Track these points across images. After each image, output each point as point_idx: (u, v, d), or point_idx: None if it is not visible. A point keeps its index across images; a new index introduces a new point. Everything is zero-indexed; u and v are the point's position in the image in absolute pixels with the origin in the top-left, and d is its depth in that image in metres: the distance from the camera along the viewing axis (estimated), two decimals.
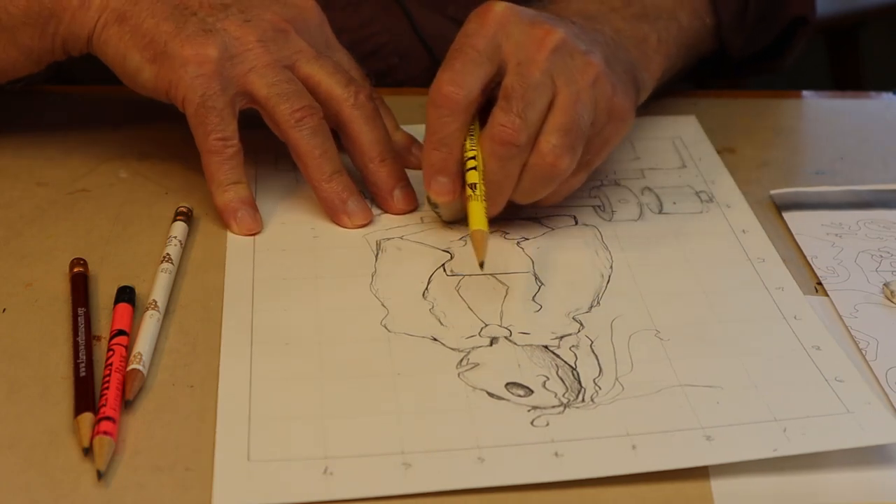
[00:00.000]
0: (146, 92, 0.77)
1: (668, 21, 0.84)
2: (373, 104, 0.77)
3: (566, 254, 0.75)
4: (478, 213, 0.70)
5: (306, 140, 0.75)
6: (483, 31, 0.72)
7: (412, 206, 0.78)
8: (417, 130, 0.85)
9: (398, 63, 0.98)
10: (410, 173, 0.81)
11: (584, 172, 0.75)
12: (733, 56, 0.95)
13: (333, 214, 0.76)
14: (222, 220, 0.75)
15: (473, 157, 0.71)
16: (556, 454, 0.58)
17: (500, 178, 0.71)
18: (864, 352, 0.67)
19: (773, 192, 0.81)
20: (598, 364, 0.65)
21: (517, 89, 0.70)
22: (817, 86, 1.13)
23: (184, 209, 0.76)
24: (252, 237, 0.75)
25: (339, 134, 0.78)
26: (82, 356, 0.63)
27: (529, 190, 0.73)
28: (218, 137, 0.74)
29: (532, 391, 0.63)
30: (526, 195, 0.73)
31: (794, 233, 0.77)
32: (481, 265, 0.69)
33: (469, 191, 0.71)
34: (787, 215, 0.79)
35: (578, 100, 0.71)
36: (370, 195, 0.78)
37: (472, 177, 0.71)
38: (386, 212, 0.78)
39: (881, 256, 0.75)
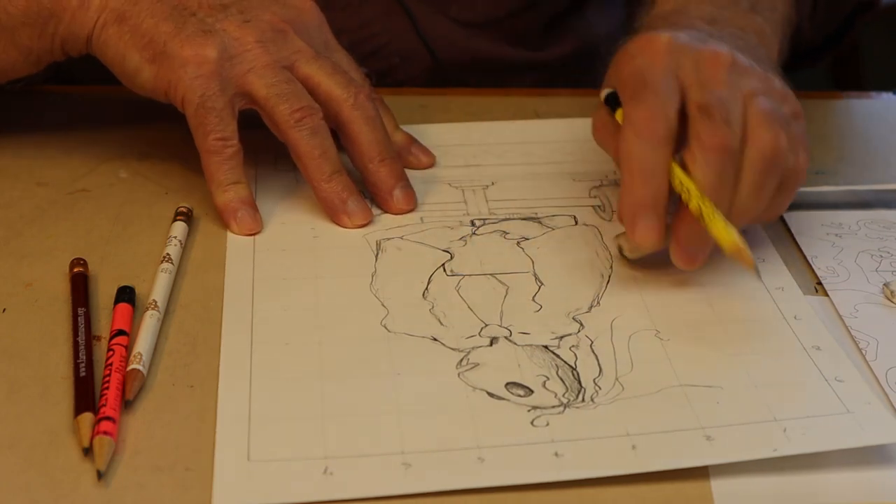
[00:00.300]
0: (145, 92, 0.77)
1: (770, 11, 0.83)
2: (372, 104, 0.77)
3: (566, 254, 0.75)
4: (723, 228, 0.67)
5: (306, 140, 0.75)
6: (657, 63, 0.71)
7: (412, 206, 0.78)
8: (417, 130, 0.86)
9: (399, 63, 0.98)
10: (411, 175, 0.81)
11: (806, 152, 0.72)
12: (803, 43, 0.94)
13: (333, 214, 0.76)
14: (222, 221, 0.75)
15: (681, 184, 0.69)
16: (556, 454, 0.58)
17: (717, 189, 0.68)
18: (864, 352, 0.67)
19: None
20: (598, 364, 0.65)
21: (712, 101, 0.69)
22: (817, 86, 1.13)
23: (184, 209, 0.76)
24: (252, 237, 0.75)
25: (338, 134, 0.78)
26: (82, 356, 0.63)
27: (755, 188, 0.69)
28: (217, 137, 0.74)
29: (532, 391, 0.63)
30: (754, 197, 0.69)
31: (794, 233, 0.77)
32: (756, 271, 0.67)
33: (702, 210, 0.67)
34: (786, 215, 0.79)
35: (767, 100, 0.70)
36: (370, 195, 0.78)
37: (694, 198, 0.68)
38: (386, 212, 0.78)
39: (881, 256, 0.75)
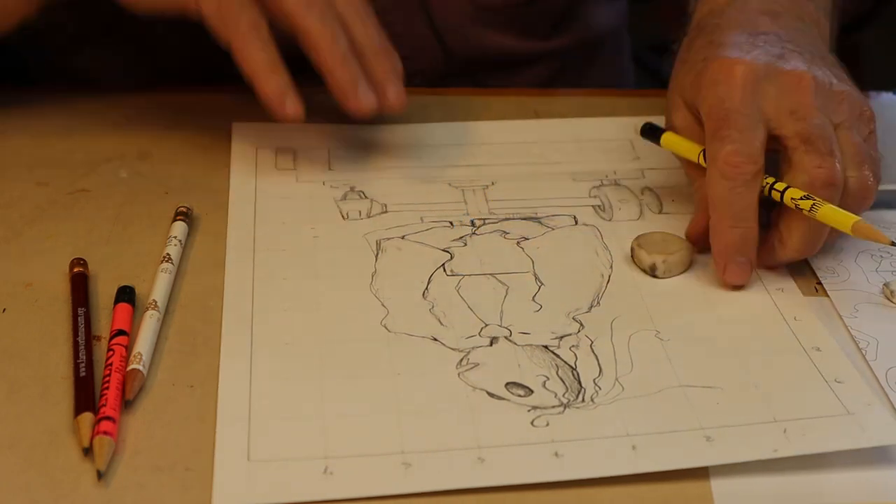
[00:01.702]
0: (157, 4, 0.76)
1: None
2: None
3: (566, 254, 0.75)
4: (836, 212, 0.68)
5: (317, 25, 0.74)
6: (739, 94, 0.70)
7: (402, 100, 0.77)
8: (417, 130, 0.86)
9: (409, 55, 0.98)
10: (410, 176, 0.80)
11: (877, 183, 0.72)
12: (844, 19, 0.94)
13: (344, 98, 0.75)
14: (268, 108, 0.74)
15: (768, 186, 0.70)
16: (556, 454, 0.58)
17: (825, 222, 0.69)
18: (864, 352, 0.67)
19: None
20: (598, 364, 0.65)
21: (813, 131, 0.69)
22: None
23: (184, 209, 0.76)
24: (252, 236, 0.75)
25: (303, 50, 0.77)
26: (82, 356, 0.63)
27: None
28: (248, 22, 0.73)
29: (532, 391, 0.63)
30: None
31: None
32: (893, 244, 0.68)
33: (803, 204, 0.68)
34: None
35: (852, 129, 0.70)
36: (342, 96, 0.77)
37: (795, 193, 0.69)
38: (381, 107, 0.77)
39: (881, 257, 0.75)
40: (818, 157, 0.68)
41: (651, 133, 0.79)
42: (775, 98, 0.70)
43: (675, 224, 0.78)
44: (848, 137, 0.70)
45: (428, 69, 0.99)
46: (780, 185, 0.70)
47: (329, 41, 0.75)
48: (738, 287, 0.71)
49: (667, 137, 0.77)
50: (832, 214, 0.68)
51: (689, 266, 0.73)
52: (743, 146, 0.69)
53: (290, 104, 0.74)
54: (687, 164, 0.76)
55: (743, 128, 0.69)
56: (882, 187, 0.82)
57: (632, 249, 0.74)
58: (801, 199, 0.69)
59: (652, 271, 0.72)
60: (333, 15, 0.75)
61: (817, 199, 0.68)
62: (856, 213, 0.69)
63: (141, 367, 0.62)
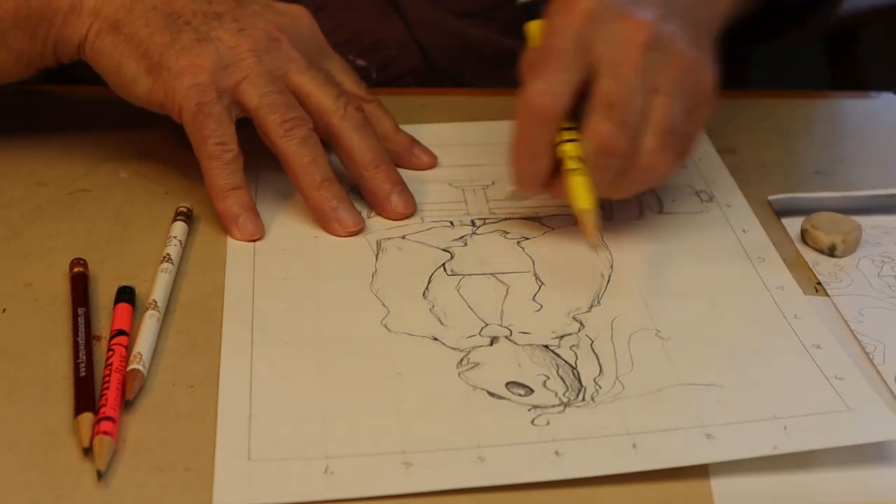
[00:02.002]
0: (139, 102, 0.77)
1: None
2: (361, 114, 0.77)
3: (566, 254, 0.75)
4: (583, 190, 0.69)
5: (294, 149, 0.75)
6: (570, 29, 0.69)
7: (410, 210, 0.78)
8: (417, 130, 0.86)
9: (396, 55, 0.98)
10: (411, 174, 0.81)
11: (680, 160, 0.73)
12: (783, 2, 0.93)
13: (324, 222, 0.76)
14: (223, 227, 0.75)
15: (570, 129, 0.70)
16: (557, 453, 0.58)
17: (602, 185, 0.70)
18: (871, 356, 0.66)
19: (771, 197, 0.81)
20: (599, 363, 0.65)
21: (617, 95, 0.68)
22: (817, 86, 1.13)
23: (184, 209, 0.76)
24: None
25: (331, 147, 0.78)
26: (82, 356, 0.63)
27: (627, 190, 0.72)
28: (216, 142, 0.74)
29: (532, 390, 0.63)
30: (624, 193, 0.72)
31: (793, 238, 0.77)
32: (594, 247, 0.69)
33: (569, 163, 0.70)
34: (785, 221, 0.79)
35: (673, 96, 0.69)
36: (369, 204, 0.78)
37: (572, 150, 0.70)
38: (386, 218, 0.77)
39: (882, 262, 0.75)
40: (608, 125, 0.68)
41: (532, 9, 0.76)
42: (605, 44, 0.69)
43: (675, 223, 0.78)
44: (661, 104, 0.69)
45: (416, 69, 0.99)
46: (569, 136, 0.70)
47: (305, 167, 0.75)
48: (527, 195, 0.74)
49: (534, 25, 0.75)
50: (577, 188, 0.69)
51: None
52: (549, 85, 0.69)
53: (243, 227, 0.75)
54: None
55: (559, 67, 0.69)
56: (881, 192, 0.83)
57: (804, 231, 0.75)
58: (570, 158, 0.70)
59: (831, 251, 0.74)
60: (315, 142, 0.75)
61: (581, 166, 0.69)
62: (641, 183, 0.70)
63: (141, 367, 0.62)
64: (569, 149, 0.71)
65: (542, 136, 0.70)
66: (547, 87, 0.69)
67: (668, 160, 0.70)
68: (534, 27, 0.75)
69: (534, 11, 0.76)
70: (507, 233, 0.76)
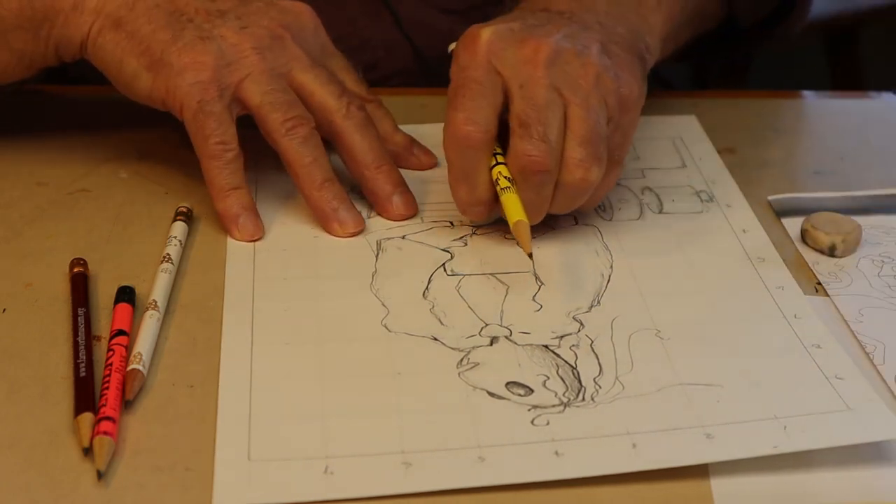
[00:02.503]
0: (141, 99, 0.77)
1: None
2: (364, 114, 0.78)
3: (566, 254, 0.75)
4: (514, 205, 0.70)
5: (296, 149, 0.75)
6: (476, 61, 0.72)
7: (412, 211, 0.78)
8: (417, 130, 0.86)
9: (385, 56, 0.98)
10: (411, 175, 0.81)
11: (616, 168, 0.74)
12: (741, 22, 0.94)
13: (324, 222, 0.76)
14: (223, 227, 0.75)
15: (497, 154, 0.72)
16: (557, 453, 0.58)
17: (535, 202, 0.71)
18: (871, 356, 0.66)
19: (770, 197, 0.81)
20: (599, 363, 0.65)
21: (530, 113, 0.70)
22: (817, 86, 1.13)
23: (184, 209, 0.76)
24: None
25: (333, 145, 0.78)
26: (82, 356, 0.63)
27: (565, 205, 0.73)
28: (217, 142, 0.74)
29: (532, 390, 0.63)
30: (562, 209, 0.73)
31: (793, 238, 0.77)
32: (530, 256, 0.70)
33: (502, 182, 0.71)
34: (785, 221, 0.79)
35: (589, 106, 0.70)
36: (370, 204, 0.78)
37: (502, 171, 0.71)
38: (388, 219, 0.77)
39: (882, 261, 0.75)
40: (529, 144, 0.69)
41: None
42: (511, 67, 0.71)
43: (675, 223, 0.78)
44: (577, 116, 0.70)
45: (404, 69, 0.99)
46: (500, 159, 0.72)
47: (306, 167, 0.75)
48: (475, 222, 0.76)
49: None
50: (509, 204, 0.71)
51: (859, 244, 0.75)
52: (472, 114, 0.71)
53: (243, 227, 0.75)
54: None
55: (475, 95, 0.71)
56: (881, 192, 0.83)
57: (804, 231, 0.75)
58: (503, 178, 0.71)
59: (831, 251, 0.74)
60: (316, 141, 0.75)
61: (511, 185, 0.71)
62: (576, 196, 0.71)
63: (141, 367, 0.62)
64: (501, 170, 0.72)
65: (474, 163, 0.72)
66: (468, 116, 0.71)
67: (595, 169, 0.71)
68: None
69: None
70: (507, 233, 0.76)
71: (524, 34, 0.73)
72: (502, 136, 0.72)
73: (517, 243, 0.71)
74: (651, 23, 0.80)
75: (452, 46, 0.78)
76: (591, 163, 0.70)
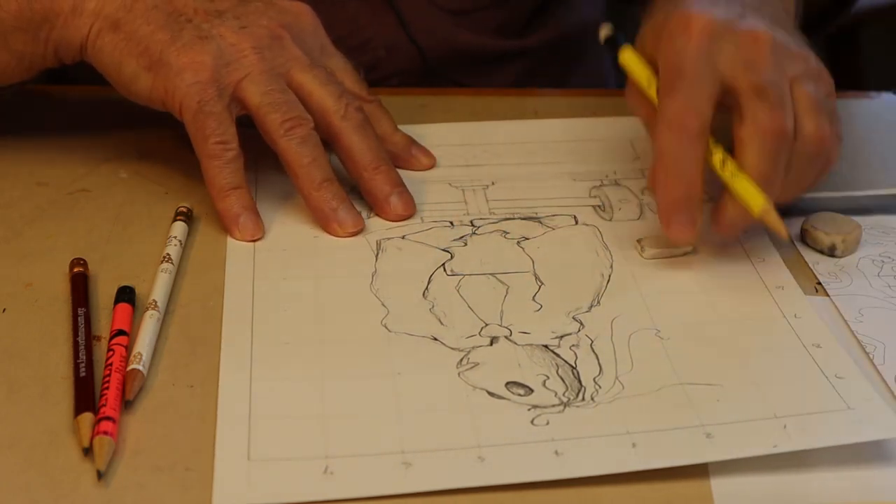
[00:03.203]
0: (141, 100, 0.77)
1: None
2: (362, 115, 0.77)
3: (566, 254, 0.75)
4: (753, 191, 0.69)
5: (295, 149, 0.75)
6: (695, 46, 0.70)
7: (410, 212, 0.78)
8: (417, 130, 0.86)
9: (385, 56, 0.98)
10: (411, 175, 0.81)
11: (839, 142, 0.73)
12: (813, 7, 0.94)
13: (323, 223, 0.76)
14: (223, 226, 0.75)
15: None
16: (557, 453, 0.58)
17: (771, 175, 0.69)
18: (871, 356, 0.66)
19: None
20: (599, 363, 0.65)
21: (765, 83, 0.69)
22: None
23: (184, 209, 0.76)
24: None
25: (331, 146, 0.78)
26: (82, 356, 0.63)
27: (799, 179, 0.71)
28: (217, 141, 0.74)
29: (532, 390, 0.63)
30: (796, 186, 0.72)
31: (793, 238, 0.77)
32: (788, 237, 0.70)
33: (730, 168, 0.69)
34: (785, 221, 0.79)
35: (809, 84, 0.70)
36: (369, 204, 0.78)
37: (724, 163, 0.69)
38: (385, 219, 0.77)
39: (882, 262, 0.75)
40: (768, 108, 0.69)
41: (613, 43, 0.78)
42: (731, 53, 0.70)
43: None
44: (804, 90, 0.70)
45: (404, 70, 0.99)
46: (722, 155, 0.70)
47: (305, 167, 0.75)
48: (679, 236, 0.71)
49: (627, 53, 0.76)
50: (746, 190, 0.68)
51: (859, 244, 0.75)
52: (691, 100, 0.69)
53: (243, 227, 0.75)
54: (640, 104, 0.75)
55: (694, 81, 0.69)
56: (881, 192, 0.83)
57: (804, 231, 0.75)
58: (730, 162, 0.69)
59: (831, 251, 0.74)
60: (315, 142, 0.75)
61: (739, 172, 0.68)
62: (812, 171, 0.70)
63: (141, 367, 0.62)
64: (720, 160, 0.70)
65: (693, 154, 0.69)
66: (688, 104, 0.69)
67: (831, 135, 0.70)
68: (627, 57, 0.75)
69: (615, 45, 0.77)
70: (507, 233, 0.76)
71: (737, 22, 0.72)
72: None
73: (771, 228, 0.69)
74: (790, 13, 0.81)
75: (605, 31, 0.77)
76: (824, 123, 0.70)
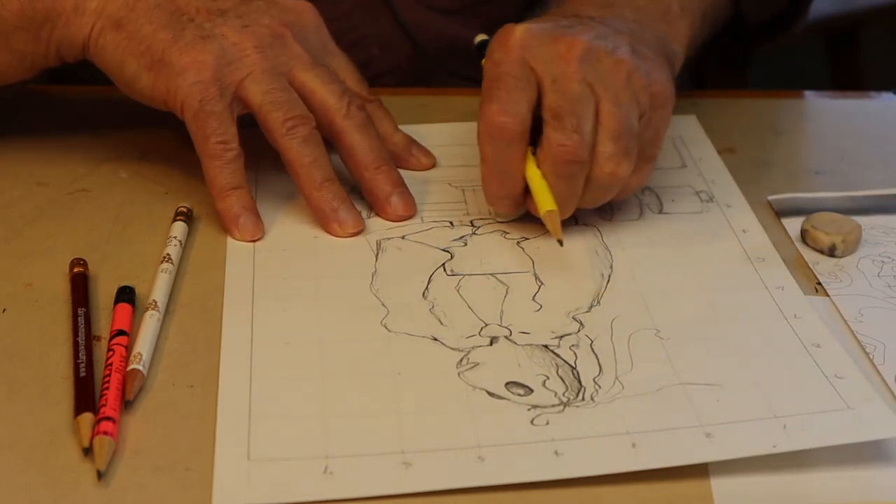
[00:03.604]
0: (143, 99, 0.77)
1: None
2: (364, 114, 0.77)
3: (566, 254, 0.75)
4: (545, 194, 0.71)
5: (297, 148, 0.75)
6: (510, 56, 0.72)
7: (410, 212, 0.78)
8: (417, 130, 0.86)
9: (378, 54, 0.98)
10: (411, 175, 0.81)
11: (648, 165, 0.75)
12: (749, 22, 0.95)
13: (324, 222, 0.76)
14: (223, 226, 0.75)
15: (531, 150, 0.73)
16: (556, 453, 0.58)
17: (567, 194, 0.72)
18: (871, 356, 0.66)
19: (770, 197, 0.81)
20: (598, 363, 0.65)
21: (563, 106, 0.71)
22: (817, 86, 1.13)
23: (184, 209, 0.76)
24: None
25: (333, 145, 0.78)
26: (82, 356, 0.63)
27: (593, 199, 0.74)
28: (218, 141, 0.74)
29: (532, 390, 0.63)
30: (591, 203, 0.74)
31: (792, 238, 0.77)
32: (560, 243, 0.71)
33: (533, 174, 0.72)
34: (785, 221, 0.79)
35: (620, 102, 0.71)
36: (369, 204, 0.78)
37: (534, 165, 0.72)
38: (386, 219, 0.77)
39: (882, 262, 0.75)
40: (562, 135, 0.70)
41: (481, 49, 0.81)
42: (544, 62, 0.72)
43: (675, 223, 0.78)
44: (609, 111, 0.71)
45: (401, 65, 0.99)
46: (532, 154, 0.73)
47: (307, 166, 0.75)
48: (504, 216, 0.77)
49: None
50: (540, 193, 0.72)
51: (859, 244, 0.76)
52: (507, 106, 0.71)
53: (243, 227, 0.75)
54: None
55: (510, 89, 0.72)
56: (881, 192, 0.83)
57: (804, 231, 0.75)
58: (534, 170, 0.72)
59: (831, 251, 0.74)
60: (317, 141, 0.75)
61: (543, 180, 0.71)
62: (606, 190, 0.72)
63: (141, 367, 0.62)
64: (533, 163, 0.72)
65: (508, 155, 0.72)
66: (503, 107, 0.71)
67: (625, 164, 0.71)
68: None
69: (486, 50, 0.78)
70: (507, 233, 0.76)
71: (557, 32, 0.73)
72: (535, 134, 0.72)
73: (549, 230, 0.72)
74: (676, 29, 0.81)
75: (478, 39, 0.80)
76: (621, 157, 0.71)
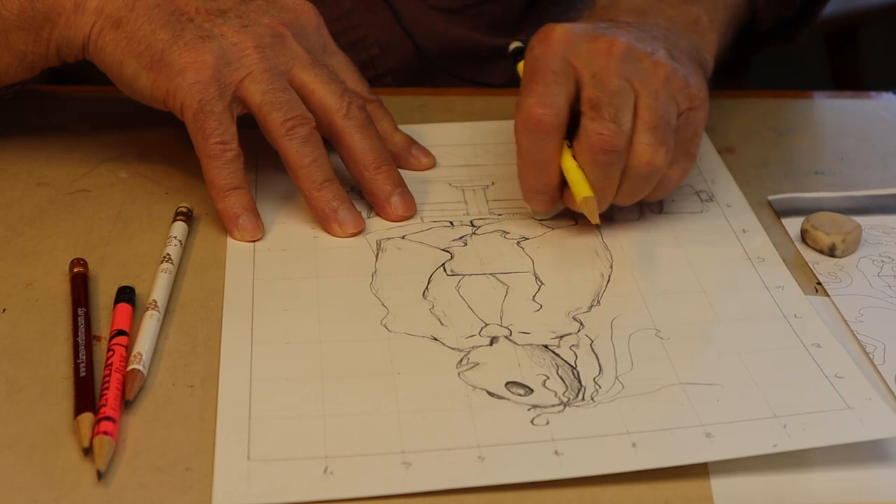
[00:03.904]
0: (142, 99, 0.77)
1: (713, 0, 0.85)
2: (364, 114, 0.77)
3: (566, 254, 0.75)
4: (582, 182, 0.72)
5: (296, 149, 0.75)
6: (551, 51, 0.73)
7: (411, 212, 0.78)
8: (417, 130, 0.86)
9: (378, 54, 0.98)
10: (411, 175, 0.81)
11: (687, 161, 0.75)
12: (759, 28, 0.95)
13: (324, 223, 0.76)
14: (223, 227, 0.75)
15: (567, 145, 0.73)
16: (556, 453, 0.58)
17: (603, 185, 0.72)
18: (871, 356, 0.66)
19: (770, 197, 0.81)
20: (598, 363, 0.65)
21: (602, 97, 0.71)
22: (817, 86, 1.13)
23: (184, 209, 0.76)
24: None
25: (333, 145, 0.78)
26: (82, 356, 0.63)
27: (631, 191, 0.74)
28: (217, 141, 0.74)
29: (532, 390, 0.63)
30: (628, 197, 0.74)
31: (792, 238, 0.77)
32: (598, 227, 0.73)
33: (570, 165, 0.73)
34: (785, 221, 0.79)
35: (658, 97, 0.72)
36: (369, 204, 0.78)
37: (570, 156, 0.73)
38: (386, 219, 0.77)
39: (882, 261, 0.75)
40: (600, 124, 0.71)
41: (516, 55, 0.82)
42: (585, 58, 0.73)
43: (675, 223, 0.78)
44: (648, 104, 0.72)
45: (401, 66, 0.99)
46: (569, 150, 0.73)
47: (306, 167, 0.75)
48: (541, 211, 0.77)
49: (521, 65, 0.79)
50: (577, 180, 0.72)
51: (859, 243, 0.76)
52: (545, 98, 0.72)
53: (243, 227, 0.75)
54: None
55: (549, 82, 0.73)
56: (881, 192, 0.83)
57: (804, 231, 0.75)
58: (571, 161, 0.73)
59: (831, 251, 0.74)
60: (317, 141, 0.75)
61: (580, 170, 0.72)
62: (643, 183, 0.73)
63: (141, 367, 0.62)
64: (569, 155, 0.73)
65: (546, 148, 0.73)
66: (541, 100, 0.72)
67: (662, 153, 0.72)
68: (521, 67, 0.78)
69: (521, 55, 0.79)
70: (507, 233, 0.76)
71: (598, 32, 0.75)
72: (573, 129, 0.73)
73: (587, 216, 0.73)
74: (707, 40, 0.82)
75: (513, 45, 0.81)
76: (658, 146, 0.72)
